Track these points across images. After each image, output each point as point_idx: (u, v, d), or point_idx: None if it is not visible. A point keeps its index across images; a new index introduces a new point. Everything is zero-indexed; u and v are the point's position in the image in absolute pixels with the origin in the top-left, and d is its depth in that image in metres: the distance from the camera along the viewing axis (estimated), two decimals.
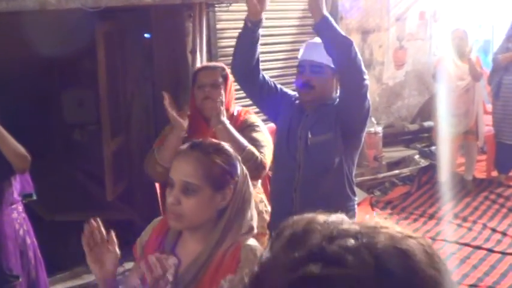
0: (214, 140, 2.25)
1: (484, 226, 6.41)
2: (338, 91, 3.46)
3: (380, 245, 0.82)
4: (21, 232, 3.72)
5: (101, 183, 6.22)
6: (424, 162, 8.03)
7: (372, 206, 6.96)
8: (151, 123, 5.95)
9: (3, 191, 3.60)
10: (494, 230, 6.30)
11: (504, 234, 6.19)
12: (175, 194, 2.08)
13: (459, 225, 6.46)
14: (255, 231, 2.21)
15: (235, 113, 3.74)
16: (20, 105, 8.05)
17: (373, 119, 7.55)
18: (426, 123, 8.47)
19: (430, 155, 8.07)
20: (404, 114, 8.58)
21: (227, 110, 3.61)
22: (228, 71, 3.73)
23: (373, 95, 7.99)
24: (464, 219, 6.60)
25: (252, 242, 2.15)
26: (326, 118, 3.39)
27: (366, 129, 3.52)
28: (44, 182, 6.93)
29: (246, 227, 2.16)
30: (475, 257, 5.70)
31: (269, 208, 3.74)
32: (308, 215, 0.89)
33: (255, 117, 3.78)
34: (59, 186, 7.33)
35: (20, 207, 3.75)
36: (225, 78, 3.70)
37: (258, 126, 3.67)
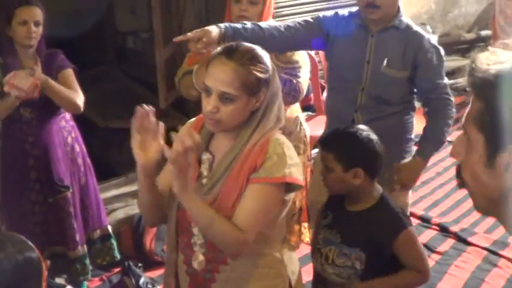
0: (248, 46, 2.25)
1: None
2: (400, 9, 3.30)
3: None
4: (69, 140, 3.79)
5: (154, 91, 6.27)
6: None
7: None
8: None
9: (50, 100, 3.60)
10: None
11: None
12: (213, 102, 2.16)
13: None
14: (283, 122, 2.31)
15: None
16: (73, 14, 8.09)
17: (428, 28, 7.39)
18: (483, 32, 8.26)
19: None
20: (461, 23, 8.37)
21: None
22: None
23: (429, 2, 7.79)
24: None
25: (280, 136, 2.27)
26: (396, 47, 3.24)
27: None
28: (98, 89, 7.03)
29: (274, 118, 2.26)
30: None
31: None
32: None
33: None
34: (113, 93, 7.41)
35: (68, 116, 3.80)
36: None
37: None
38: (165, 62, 5.79)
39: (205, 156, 2.31)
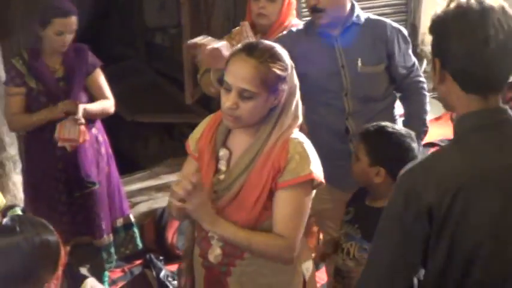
0: (268, 44, 2.27)
1: None
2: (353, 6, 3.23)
3: None
4: (93, 130, 3.83)
5: (180, 87, 6.31)
6: None
7: (453, 120, 6.81)
8: (231, 28, 5.93)
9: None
10: None
11: None
12: (232, 99, 2.18)
13: None
14: (300, 120, 2.33)
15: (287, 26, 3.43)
16: (103, 10, 8.17)
17: None
18: None
19: None
20: None
21: (282, 23, 3.45)
22: None
23: None
24: None
25: (298, 134, 2.29)
26: (365, 43, 3.19)
27: None
28: (126, 83, 7.07)
29: (292, 115, 2.27)
30: None
31: None
32: None
33: None
34: (140, 88, 7.46)
35: None
36: None
37: None
38: (192, 58, 5.82)
39: (223, 152, 2.33)
